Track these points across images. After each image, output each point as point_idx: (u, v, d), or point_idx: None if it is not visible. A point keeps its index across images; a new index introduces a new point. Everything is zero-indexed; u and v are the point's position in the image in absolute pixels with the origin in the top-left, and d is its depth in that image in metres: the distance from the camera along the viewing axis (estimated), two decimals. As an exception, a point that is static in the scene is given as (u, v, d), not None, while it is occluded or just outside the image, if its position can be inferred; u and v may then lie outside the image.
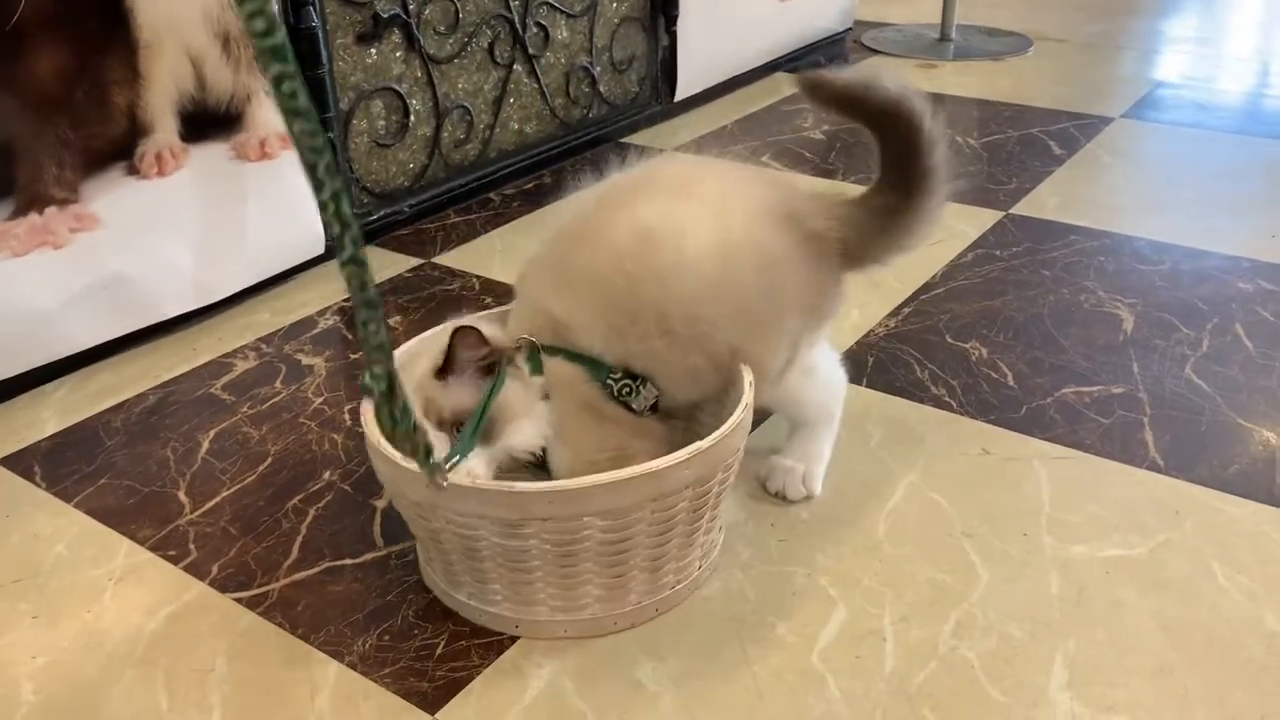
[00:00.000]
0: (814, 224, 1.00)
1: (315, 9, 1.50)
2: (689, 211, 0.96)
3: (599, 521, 0.86)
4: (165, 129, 1.38)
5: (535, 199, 1.92)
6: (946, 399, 1.29)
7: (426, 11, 1.71)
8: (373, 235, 1.75)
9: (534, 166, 2.02)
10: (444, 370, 0.93)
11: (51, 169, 1.28)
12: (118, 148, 1.34)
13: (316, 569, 1.05)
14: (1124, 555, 1.03)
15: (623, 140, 2.20)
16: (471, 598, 0.95)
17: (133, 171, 1.36)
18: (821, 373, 1.10)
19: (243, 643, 0.96)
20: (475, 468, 0.89)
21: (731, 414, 0.92)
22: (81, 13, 1.26)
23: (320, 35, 1.52)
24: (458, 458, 0.88)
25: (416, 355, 0.98)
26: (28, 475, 1.21)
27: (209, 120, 1.43)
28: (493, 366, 0.94)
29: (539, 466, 0.95)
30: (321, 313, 1.54)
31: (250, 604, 1.01)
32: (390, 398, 0.78)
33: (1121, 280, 1.56)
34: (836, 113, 1.04)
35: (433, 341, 1.02)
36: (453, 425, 0.90)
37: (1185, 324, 1.44)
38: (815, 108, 1.05)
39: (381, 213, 1.75)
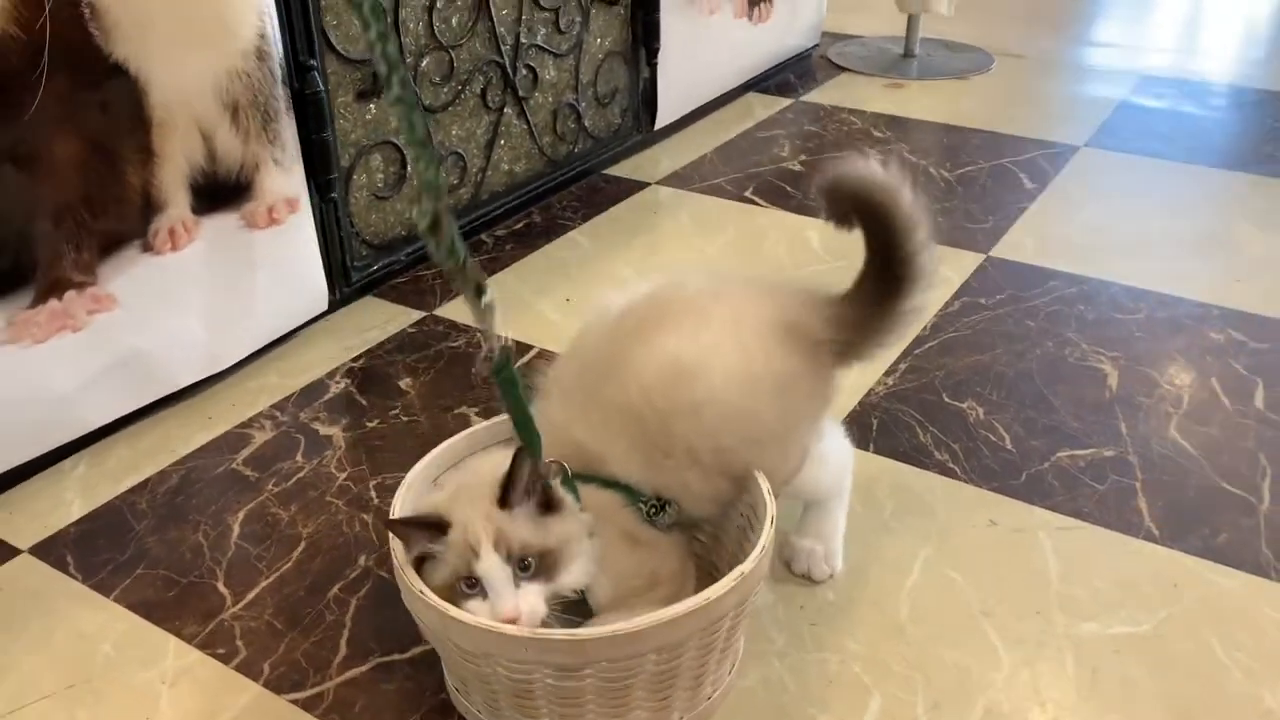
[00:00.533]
0: (813, 332, 1.03)
1: (319, 74, 1.50)
2: (711, 343, 0.98)
3: (654, 655, 0.90)
4: (178, 204, 1.38)
5: (525, 239, 1.95)
6: (950, 465, 1.35)
7: (424, 63, 1.72)
8: (372, 285, 1.76)
9: (523, 205, 2.04)
10: (506, 499, 0.93)
11: (70, 254, 1.28)
12: (132, 226, 1.34)
13: (368, 665, 1.08)
14: (1131, 633, 1.11)
15: (606, 172, 2.22)
16: None
17: (147, 249, 1.36)
18: (829, 454, 1.14)
19: (306, 749, 1.00)
20: (537, 607, 0.89)
21: (756, 529, 0.97)
22: (97, 97, 1.25)
23: (324, 98, 1.52)
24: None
25: (469, 469, 1.01)
26: (61, 566, 1.22)
27: (219, 190, 1.43)
28: (550, 501, 0.94)
29: (578, 600, 0.96)
30: (330, 375, 1.55)
31: (307, 706, 1.04)
32: (434, 233, 0.83)
33: (1102, 331, 1.64)
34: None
35: (464, 451, 1.06)
36: (519, 560, 0.90)
37: (1165, 379, 1.52)
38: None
39: (381, 263, 1.76)
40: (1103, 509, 1.28)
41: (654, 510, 0.99)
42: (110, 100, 1.26)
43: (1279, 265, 1.83)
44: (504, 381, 0.95)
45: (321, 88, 1.51)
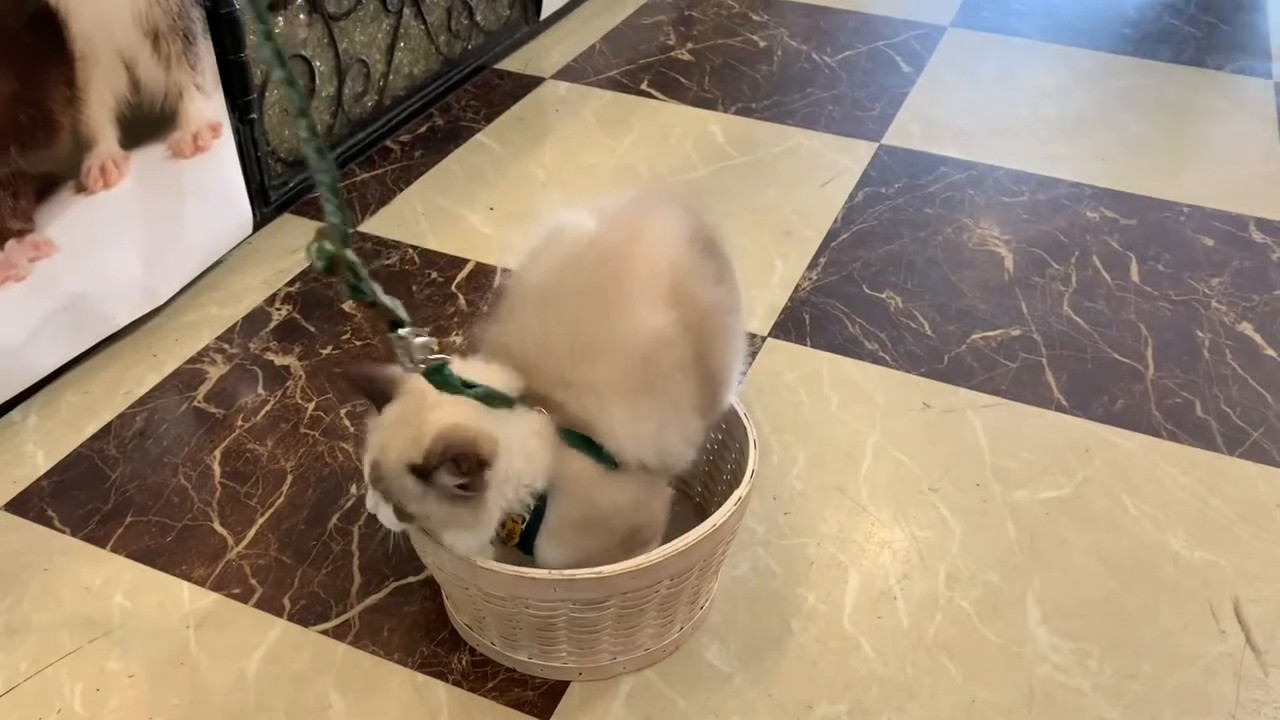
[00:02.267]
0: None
1: (232, -10, 1.45)
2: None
3: (667, 581, 0.98)
4: (107, 139, 1.32)
5: (432, 144, 1.93)
6: (881, 354, 1.48)
7: (326, -29, 1.66)
8: (288, 203, 1.73)
9: (423, 108, 2.01)
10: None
11: (7, 202, 1.22)
12: (64, 168, 1.29)
13: (385, 590, 1.14)
14: (1056, 496, 1.27)
15: (498, 67, 2.21)
16: (533, 657, 1.04)
17: (80, 189, 1.31)
18: None
19: (347, 675, 1.06)
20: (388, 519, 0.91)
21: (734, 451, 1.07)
22: (15, 33, 1.18)
23: (239, 17, 1.47)
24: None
25: None
26: (44, 521, 1.21)
27: (144, 122, 1.38)
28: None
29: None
30: (269, 301, 1.54)
31: (337, 635, 1.10)
32: (333, 274, 0.73)
33: (993, 214, 1.78)
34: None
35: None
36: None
37: (1054, 259, 1.68)
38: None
39: (295, 180, 1.73)
40: (1018, 385, 1.43)
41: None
42: (32, 36, 1.19)
43: (1140, 144, 2.01)
44: (441, 387, 0.86)
45: (235, 6, 1.45)
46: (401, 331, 0.80)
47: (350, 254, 0.72)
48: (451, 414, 0.88)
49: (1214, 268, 1.67)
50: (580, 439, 0.93)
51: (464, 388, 0.86)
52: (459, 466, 0.86)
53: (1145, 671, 1.08)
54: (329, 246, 0.72)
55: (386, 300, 0.78)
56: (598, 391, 0.93)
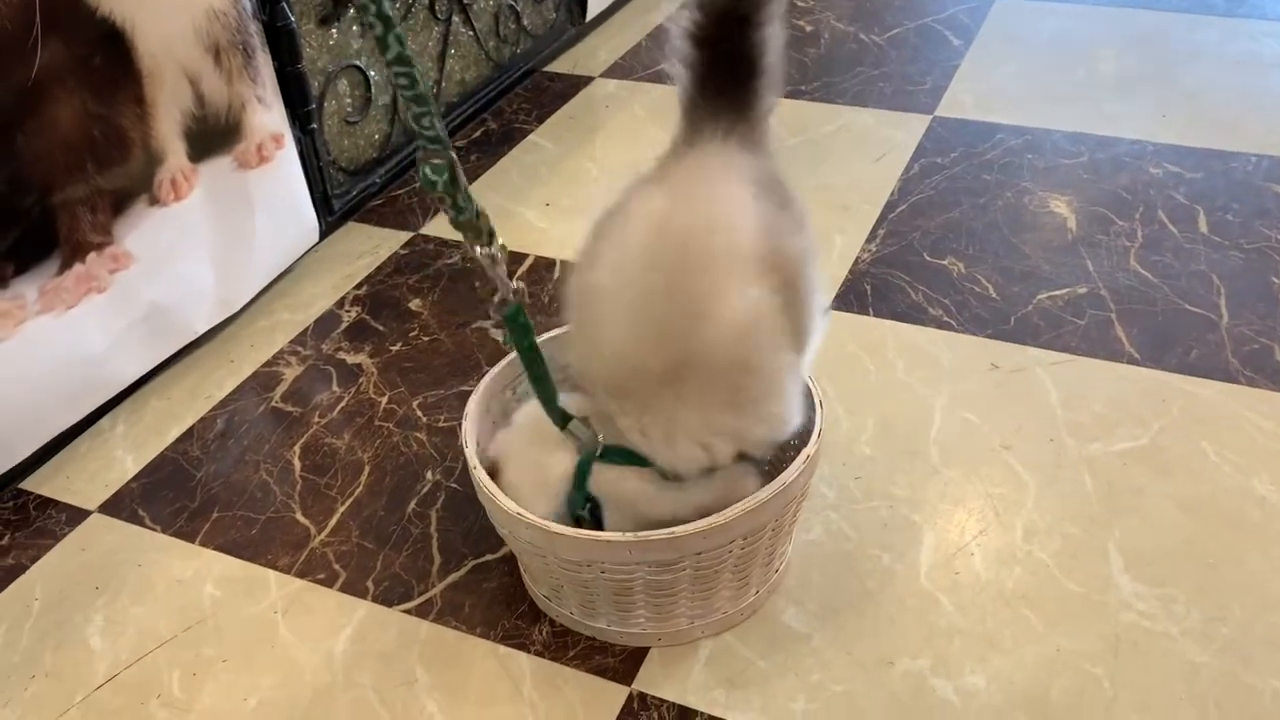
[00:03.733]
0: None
1: (287, 4, 1.49)
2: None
3: (740, 540, 0.98)
4: (176, 153, 1.38)
5: (487, 148, 1.97)
6: (945, 319, 1.47)
7: (376, -18, 1.70)
8: (351, 212, 1.78)
9: (476, 113, 2.05)
10: None
11: (87, 216, 1.28)
12: (138, 181, 1.34)
13: (465, 569, 1.16)
14: (1133, 447, 1.25)
15: (548, 70, 2.24)
16: (612, 624, 1.05)
17: (153, 202, 1.36)
18: None
19: (431, 650, 1.08)
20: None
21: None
22: (90, 54, 1.24)
23: (295, 29, 1.51)
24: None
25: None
26: (136, 520, 1.26)
27: (210, 135, 1.43)
28: None
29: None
30: (339, 305, 1.58)
31: (420, 613, 1.12)
32: (454, 187, 0.84)
33: (1053, 177, 1.76)
34: None
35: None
36: None
37: (1118, 216, 1.66)
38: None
39: (358, 188, 1.77)
40: (1087, 341, 1.41)
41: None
42: (103, 57, 1.25)
43: (1200, 98, 1.97)
44: (517, 329, 0.95)
45: (291, 18, 1.50)
46: (496, 245, 0.90)
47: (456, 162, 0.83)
48: None
49: (1286, 214, 1.63)
50: (631, 455, 0.98)
51: (531, 336, 0.95)
52: None
53: (1235, 615, 1.06)
54: (439, 162, 0.83)
55: (484, 218, 0.89)
56: (681, 408, 0.94)
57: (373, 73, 1.75)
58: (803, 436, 1.08)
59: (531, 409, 1.05)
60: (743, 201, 0.94)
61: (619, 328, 0.94)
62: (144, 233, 1.36)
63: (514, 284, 0.94)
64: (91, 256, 1.29)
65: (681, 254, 0.91)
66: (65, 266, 1.27)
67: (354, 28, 1.69)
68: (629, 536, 0.95)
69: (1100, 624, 1.06)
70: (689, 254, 0.91)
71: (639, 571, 0.98)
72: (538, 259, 1.66)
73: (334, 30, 1.64)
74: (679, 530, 0.95)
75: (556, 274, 1.61)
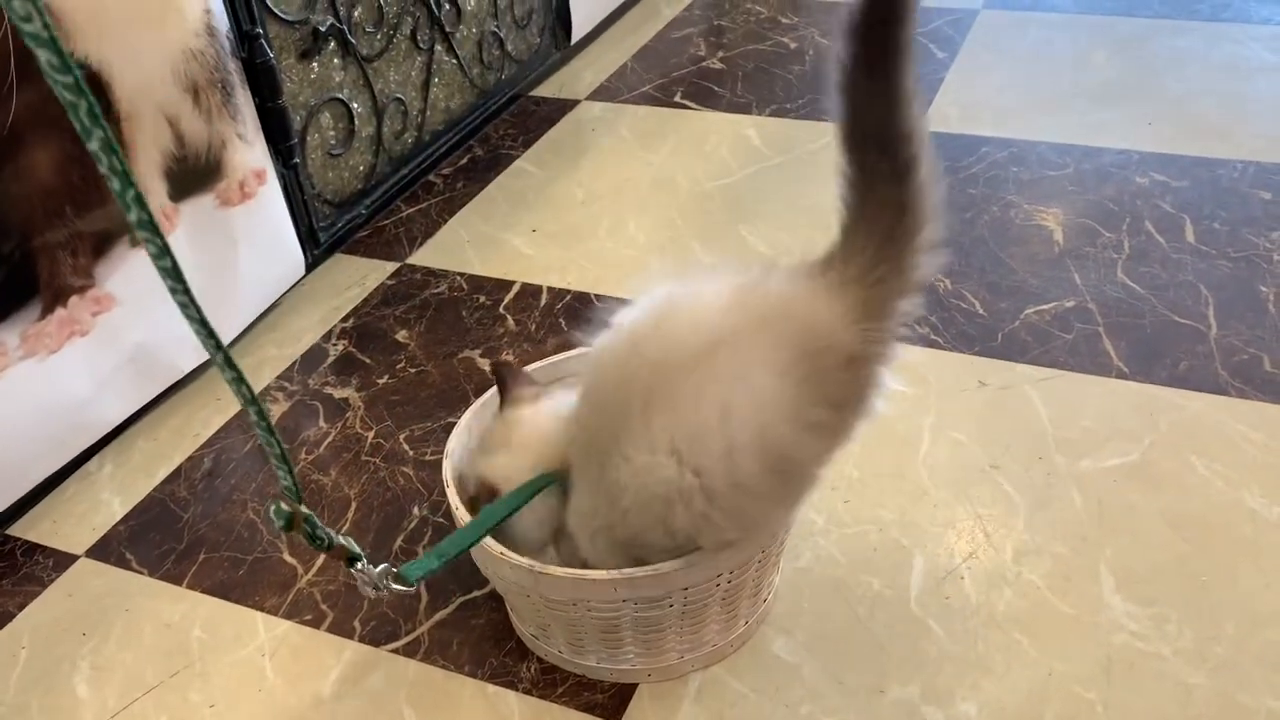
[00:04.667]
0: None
1: (265, 41, 1.49)
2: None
3: (727, 575, 0.97)
4: (156, 193, 1.37)
5: (474, 174, 1.97)
6: (932, 336, 1.47)
7: (355, 14, 1.71)
8: (338, 244, 1.78)
9: (462, 140, 2.05)
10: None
11: (67, 260, 1.27)
12: (118, 224, 1.34)
13: (452, 606, 1.16)
14: (1122, 463, 1.24)
15: (533, 94, 2.24)
16: (601, 661, 1.05)
17: (135, 243, 1.36)
18: None
19: (419, 691, 1.07)
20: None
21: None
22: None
23: (275, 65, 1.51)
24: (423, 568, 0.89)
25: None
26: (123, 564, 1.25)
27: (191, 174, 1.42)
28: None
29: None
30: (325, 338, 1.58)
31: (408, 652, 1.11)
32: (293, 529, 0.79)
33: (1038, 189, 1.76)
34: None
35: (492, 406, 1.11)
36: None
37: (1104, 228, 1.65)
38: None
39: (343, 221, 1.77)
40: (1075, 356, 1.41)
41: None
42: (79, 100, 1.25)
43: (1186, 105, 1.97)
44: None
45: (270, 55, 1.50)
46: (359, 565, 0.86)
47: (304, 508, 0.79)
48: (501, 465, 1.01)
49: (1274, 221, 1.62)
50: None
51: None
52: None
53: (1228, 633, 1.05)
54: (285, 507, 0.78)
55: (342, 540, 0.84)
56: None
57: (355, 104, 1.75)
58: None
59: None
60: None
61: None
62: (126, 274, 1.35)
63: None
64: (73, 300, 1.29)
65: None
66: (47, 311, 1.26)
67: (335, 60, 1.69)
68: (615, 574, 0.94)
69: (1093, 646, 1.05)
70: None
71: (626, 609, 0.98)
72: (524, 285, 1.65)
73: (314, 64, 1.64)
74: (665, 566, 0.94)
75: (542, 301, 1.61)
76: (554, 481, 0.99)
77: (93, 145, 0.57)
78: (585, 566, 0.97)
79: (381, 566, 0.87)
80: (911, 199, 0.81)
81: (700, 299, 0.87)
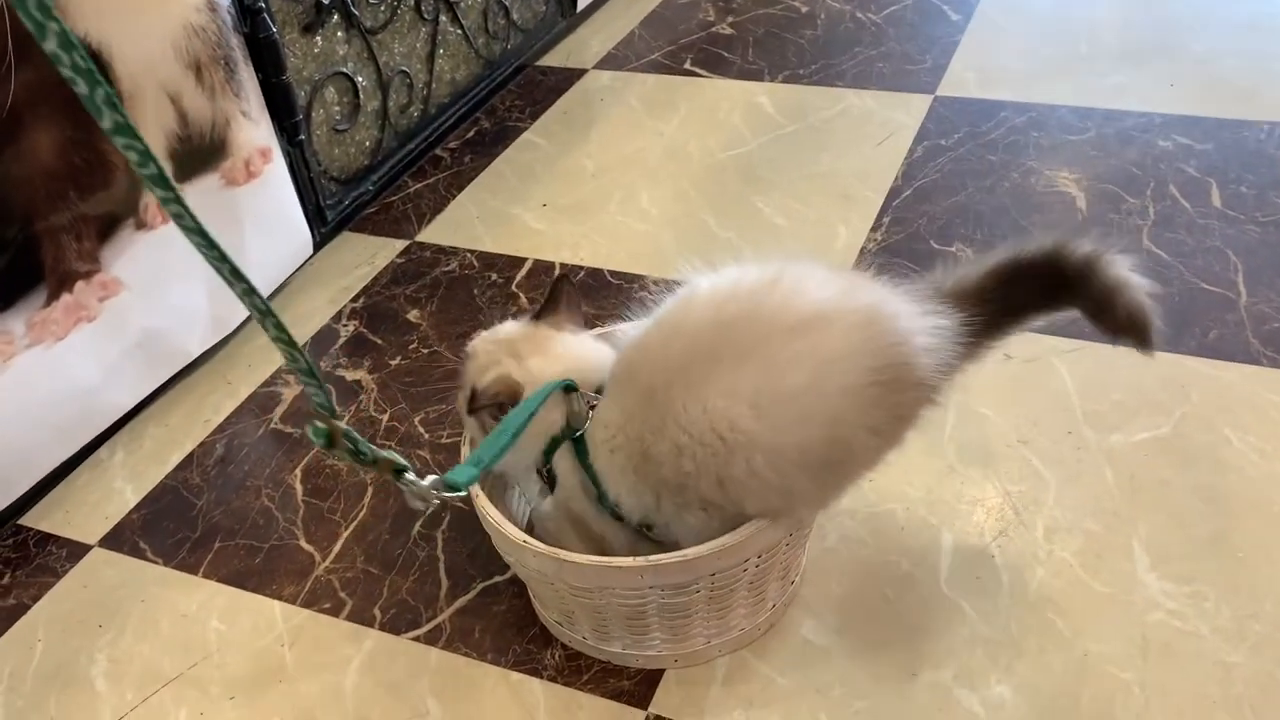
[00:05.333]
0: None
1: (268, 15, 1.45)
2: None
3: (755, 559, 0.95)
4: (161, 175, 1.34)
5: (481, 148, 1.93)
6: (955, 308, 1.43)
7: (359, -15, 1.67)
8: (345, 222, 1.75)
9: (469, 112, 2.01)
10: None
11: (72, 245, 1.25)
12: (123, 206, 1.31)
13: (473, 592, 1.14)
14: (1154, 436, 1.22)
15: (540, 64, 2.20)
16: (627, 647, 1.03)
17: (140, 226, 1.33)
18: None
19: (441, 680, 1.06)
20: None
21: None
22: (62, 81, 1.20)
23: (278, 40, 1.48)
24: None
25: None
26: (137, 554, 1.23)
27: (195, 154, 1.39)
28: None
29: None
30: (336, 319, 1.56)
31: (429, 640, 1.09)
32: (335, 447, 0.78)
33: (1059, 155, 1.72)
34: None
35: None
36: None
37: (1128, 193, 1.61)
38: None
39: (350, 197, 1.74)
40: (1102, 327, 1.37)
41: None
42: (79, 80, 1.22)
43: (1208, 65, 1.92)
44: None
45: (273, 29, 1.46)
46: (408, 477, 0.85)
47: (344, 424, 0.78)
48: (535, 368, 0.99)
49: (1302, 184, 1.59)
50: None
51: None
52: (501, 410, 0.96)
53: (1267, 610, 1.03)
54: (322, 425, 0.77)
55: (385, 454, 0.83)
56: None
57: (360, 78, 1.71)
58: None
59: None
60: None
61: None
62: (132, 258, 1.33)
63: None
64: (79, 285, 1.26)
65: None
66: (53, 297, 1.24)
67: (339, 34, 1.65)
68: (641, 561, 0.92)
69: (1128, 625, 1.03)
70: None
71: (652, 595, 0.95)
72: (536, 262, 1.62)
73: (318, 38, 1.61)
74: (691, 552, 0.92)
75: (555, 273, 1.58)
76: (575, 387, 0.96)
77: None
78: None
79: (430, 478, 0.87)
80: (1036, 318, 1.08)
81: (815, 279, 0.92)
